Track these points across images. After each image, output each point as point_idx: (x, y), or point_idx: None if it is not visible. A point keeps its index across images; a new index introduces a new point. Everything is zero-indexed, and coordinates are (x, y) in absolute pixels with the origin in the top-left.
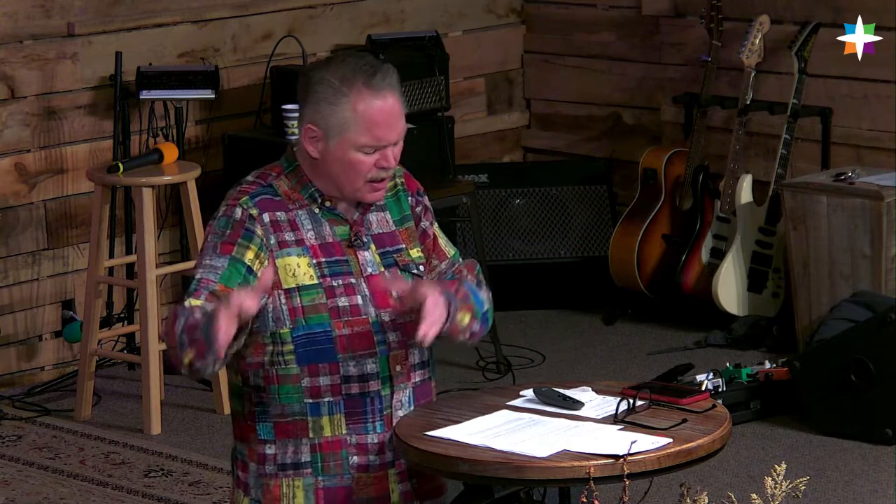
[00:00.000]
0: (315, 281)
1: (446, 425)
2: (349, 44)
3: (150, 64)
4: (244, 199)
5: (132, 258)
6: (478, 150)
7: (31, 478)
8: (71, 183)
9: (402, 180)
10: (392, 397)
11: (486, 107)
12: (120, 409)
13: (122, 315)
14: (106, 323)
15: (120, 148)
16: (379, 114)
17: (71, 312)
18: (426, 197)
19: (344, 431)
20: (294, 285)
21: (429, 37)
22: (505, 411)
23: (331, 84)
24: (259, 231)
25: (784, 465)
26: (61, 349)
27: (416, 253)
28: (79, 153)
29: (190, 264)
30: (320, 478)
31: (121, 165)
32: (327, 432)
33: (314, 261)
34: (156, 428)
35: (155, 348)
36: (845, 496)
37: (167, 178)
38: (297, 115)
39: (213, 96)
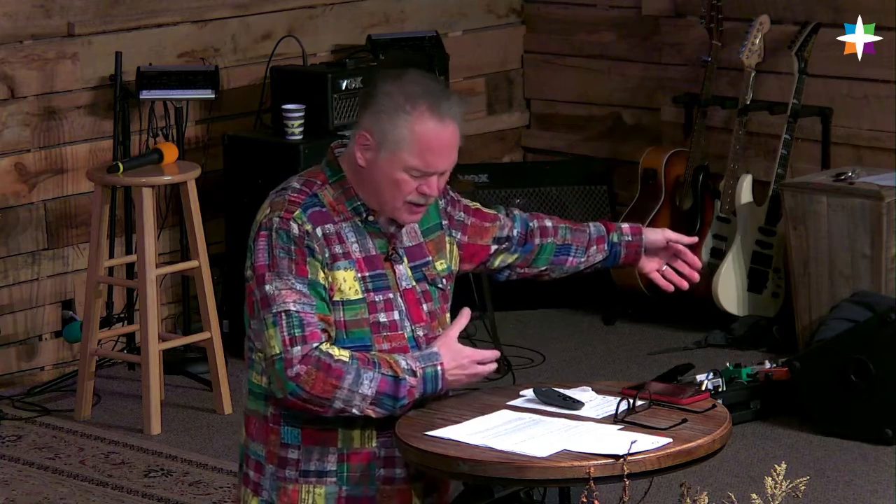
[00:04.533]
0: (359, 296)
1: (446, 425)
2: (349, 44)
3: (150, 64)
4: (297, 212)
5: (132, 258)
6: (478, 150)
7: (31, 478)
8: (71, 183)
9: None
10: None
11: (486, 107)
12: (120, 409)
13: (122, 315)
14: (106, 323)
15: (120, 148)
16: (435, 140)
17: (71, 312)
18: (450, 188)
19: (374, 444)
20: (339, 299)
21: (429, 37)
22: (505, 411)
23: (396, 99)
24: (316, 247)
25: (784, 465)
26: (61, 349)
27: (440, 265)
28: (79, 153)
29: (191, 264)
30: (344, 487)
31: (121, 165)
32: (356, 444)
33: (359, 275)
34: (156, 428)
35: (155, 348)
36: (845, 496)
37: (167, 178)
38: (297, 115)
39: (213, 96)
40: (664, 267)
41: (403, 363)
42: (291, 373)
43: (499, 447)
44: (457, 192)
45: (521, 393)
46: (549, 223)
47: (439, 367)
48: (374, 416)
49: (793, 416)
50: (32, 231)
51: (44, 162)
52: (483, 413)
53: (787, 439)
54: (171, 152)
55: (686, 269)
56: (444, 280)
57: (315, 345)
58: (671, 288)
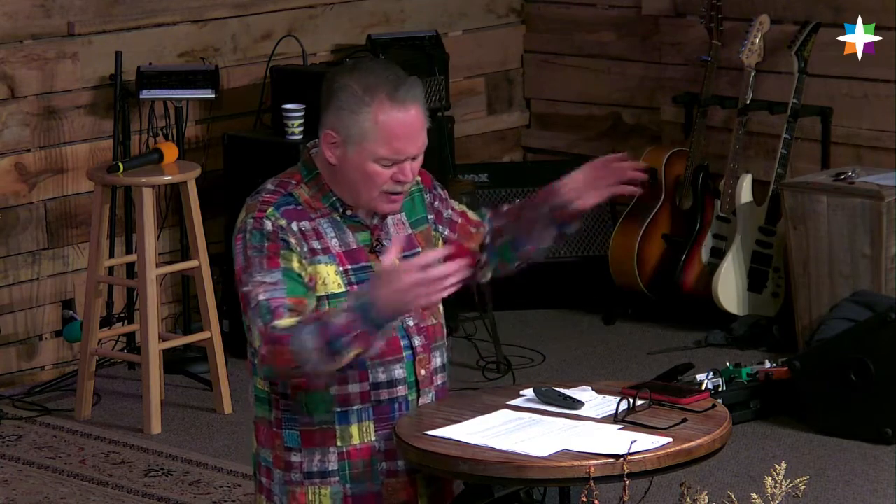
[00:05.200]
0: (343, 289)
1: (446, 425)
2: (349, 44)
3: (150, 64)
4: (270, 210)
5: (132, 258)
6: (478, 150)
7: (31, 478)
8: (71, 183)
9: (419, 177)
10: (418, 401)
11: (486, 106)
12: (120, 408)
13: (122, 315)
14: (106, 323)
15: (120, 148)
16: (400, 127)
17: (71, 312)
18: (439, 185)
19: (373, 438)
20: (323, 293)
21: (429, 36)
22: (505, 411)
23: (354, 92)
24: (293, 240)
25: (784, 465)
26: (61, 349)
27: None
28: (79, 153)
29: (191, 264)
30: (348, 485)
31: (121, 165)
32: (356, 440)
33: (341, 268)
34: (156, 428)
35: (155, 348)
36: (845, 496)
37: (167, 178)
38: (297, 114)
39: (213, 96)
40: (615, 184)
41: (343, 304)
42: (259, 358)
43: (499, 447)
44: (446, 191)
45: (521, 393)
46: (501, 222)
47: (368, 296)
48: (343, 364)
49: (793, 416)
50: (32, 231)
51: (44, 162)
52: (483, 413)
53: (787, 439)
54: (171, 152)
55: (624, 168)
56: None
57: (273, 324)
58: (635, 189)
